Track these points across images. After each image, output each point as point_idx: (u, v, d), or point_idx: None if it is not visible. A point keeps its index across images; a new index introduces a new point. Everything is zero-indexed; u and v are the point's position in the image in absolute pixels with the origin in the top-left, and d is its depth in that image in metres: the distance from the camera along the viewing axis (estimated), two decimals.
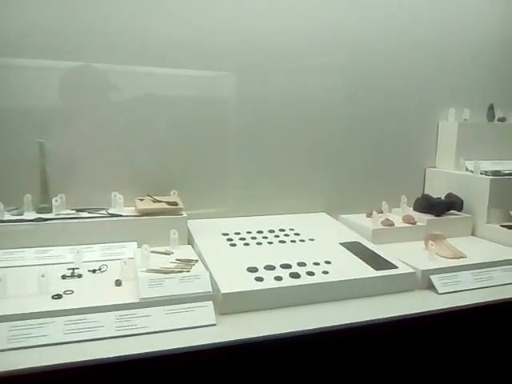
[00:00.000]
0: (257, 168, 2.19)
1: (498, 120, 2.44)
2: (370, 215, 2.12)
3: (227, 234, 1.89)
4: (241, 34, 2.05)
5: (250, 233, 1.92)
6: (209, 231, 1.92)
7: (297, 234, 1.94)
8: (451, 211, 2.15)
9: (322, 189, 2.31)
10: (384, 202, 2.20)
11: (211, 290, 1.39)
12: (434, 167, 2.45)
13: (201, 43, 2.00)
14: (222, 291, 1.40)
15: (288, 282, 1.49)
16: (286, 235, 1.92)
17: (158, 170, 2.03)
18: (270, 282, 1.47)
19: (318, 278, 1.52)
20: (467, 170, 2.26)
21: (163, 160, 2.03)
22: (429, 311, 1.48)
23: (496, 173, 2.18)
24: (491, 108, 2.42)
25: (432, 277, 1.63)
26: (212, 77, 2.09)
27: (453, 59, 2.44)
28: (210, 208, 2.14)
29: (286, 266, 1.59)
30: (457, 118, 2.38)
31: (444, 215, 2.12)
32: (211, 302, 1.37)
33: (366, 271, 1.60)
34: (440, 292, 1.60)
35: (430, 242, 1.77)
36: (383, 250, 1.80)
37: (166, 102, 2.01)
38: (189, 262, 1.55)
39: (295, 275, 1.53)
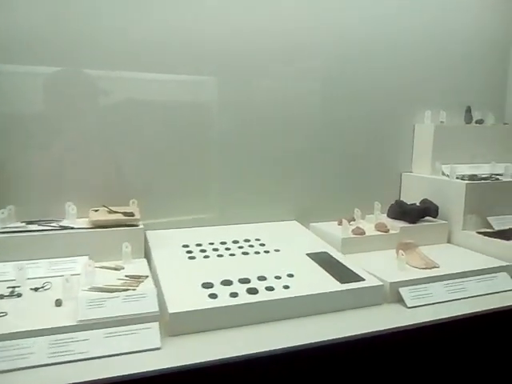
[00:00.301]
0: (227, 176, 2.08)
1: (476, 122, 2.35)
2: (341, 223, 2.02)
3: (188, 246, 1.79)
4: (220, 37, 1.97)
5: (212, 244, 1.82)
6: (169, 243, 1.81)
7: (262, 245, 1.83)
8: (426, 218, 2.05)
9: (294, 196, 2.20)
10: (356, 209, 2.11)
11: (158, 309, 1.29)
12: (411, 172, 2.36)
13: (173, 47, 1.91)
14: (170, 311, 1.29)
15: (244, 298, 1.39)
16: (251, 246, 1.82)
17: (120, 178, 1.92)
18: (224, 299, 1.37)
19: (278, 294, 1.42)
20: (443, 174, 2.17)
21: (126, 167, 1.92)
22: (395, 328, 1.38)
23: (472, 177, 2.09)
24: (469, 110, 2.33)
25: (401, 289, 1.53)
26: (185, 81, 1.99)
27: (429, 61, 2.36)
28: (176, 217, 2.03)
29: (245, 281, 1.49)
30: (433, 121, 2.29)
31: (419, 222, 2.03)
32: (157, 323, 1.26)
33: (331, 285, 1.50)
34: (409, 306, 1.50)
35: (401, 251, 1.67)
36: (352, 261, 1.70)
37: (133, 106, 1.90)
38: (138, 279, 1.44)
39: (253, 291, 1.42)
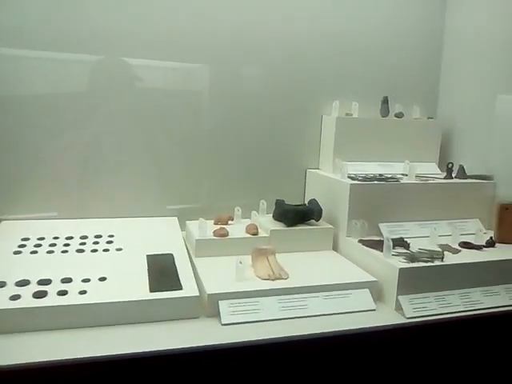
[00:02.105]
0: (111, 165, 1.93)
1: (395, 116, 2.08)
2: (217, 222, 1.84)
3: (27, 239, 1.65)
4: None
5: (56, 238, 1.68)
6: (14, 235, 1.68)
7: (109, 242, 1.67)
8: (312, 221, 1.83)
9: (183, 191, 2.03)
10: (237, 208, 1.91)
11: None
12: (318, 168, 2.12)
13: None
14: None
15: (25, 302, 1.24)
16: (95, 243, 1.66)
17: None
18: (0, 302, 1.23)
19: (66, 300, 1.26)
20: None
21: None
22: (193, 347, 1.19)
23: (375, 177, 1.84)
24: (385, 101, 2.06)
25: (221, 302, 1.34)
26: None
27: (346, 48, 2.12)
28: (49, 207, 1.89)
29: (44, 283, 1.34)
30: (342, 113, 2.04)
31: (301, 225, 1.81)
32: None
33: (137, 293, 1.33)
34: (223, 323, 1.30)
35: (239, 260, 1.47)
36: (195, 266, 1.53)
37: None
38: None
39: (40, 294, 1.27)
